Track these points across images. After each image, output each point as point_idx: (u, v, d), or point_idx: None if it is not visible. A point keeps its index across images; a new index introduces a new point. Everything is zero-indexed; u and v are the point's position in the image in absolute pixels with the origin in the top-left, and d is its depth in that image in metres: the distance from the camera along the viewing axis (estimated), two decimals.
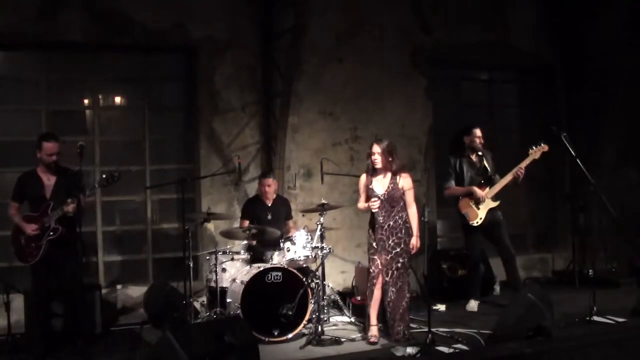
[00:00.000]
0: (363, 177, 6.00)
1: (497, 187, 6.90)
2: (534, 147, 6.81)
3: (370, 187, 5.90)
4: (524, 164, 6.82)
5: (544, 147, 6.79)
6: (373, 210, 5.83)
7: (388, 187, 5.86)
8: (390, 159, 5.86)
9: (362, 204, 5.99)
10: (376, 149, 5.84)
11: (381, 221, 5.82)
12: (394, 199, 5.85)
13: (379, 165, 5.85)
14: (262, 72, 7.90)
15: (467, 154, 7.10)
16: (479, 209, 6.92)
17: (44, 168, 5.75)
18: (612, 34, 9.07)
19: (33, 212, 5.74)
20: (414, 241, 5.91)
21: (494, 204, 6.93)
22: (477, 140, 7.04)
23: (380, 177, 5.91)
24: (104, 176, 5.67)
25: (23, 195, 5.83)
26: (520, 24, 9.28)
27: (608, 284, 7.91)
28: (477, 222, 6.93)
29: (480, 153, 7.06)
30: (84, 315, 5.95)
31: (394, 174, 5.88)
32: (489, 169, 7.01)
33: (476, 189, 6.91)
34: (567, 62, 9.53)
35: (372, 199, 5.82)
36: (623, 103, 9.06)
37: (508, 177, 6.88)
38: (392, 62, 8.48)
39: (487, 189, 6.93)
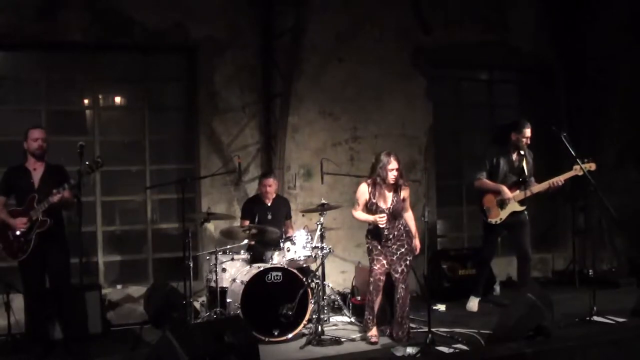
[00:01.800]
0: (364, 188, 5.89)
1: (528, 193, 6.76)
2: (579, 162, 6.48)
3: (374, 201, 5.83)
4: (563, 177, 6.63)
5: (591, 166, 6.48)
6: (380, 226, 5.79)
7: (393, 200, 5.84)
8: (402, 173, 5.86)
9: (361, 215, 5.91)
10: (395, 164, 5.75)
11: (386, 233, 5.84)
12: (398, 212, 5.87)
13: (394, 180, 5.79)
14: (262, 72, 7.89)
15: (509, 150, 6.90)
16: (502, 209, 6.83)
17: (31, 160, 5.71)
18: (612, 34, 9.07)
19: (19, 206, 5.66)
20: (417, 243, 5.95)
21: (519, 208, 6.82)
22: (525, 140, 6.82)
23: (384, 190, 5.84)
24: (87, 163, 5.59)
25: (10, 187, 5.76)
26: (520, 24, 9.28)
27: (608, 284, 7.91)
28: (496, 222, 6.86)
29: (522, 152, 6.87)
30: (78, 317, 5.92)
31: (397, 186, 5.85)
32: (525, 170, 6.85)
33: (505, 190, 6.77)
34: (567, 62, 9.52)
35: (380, 215, 5.75)
36: (623, 103, 9.06)
37: (542, 187, 6.74)
38: (392, 62, 8.48)
39: (517, 191, 6.81)
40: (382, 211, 5.80)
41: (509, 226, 6.93)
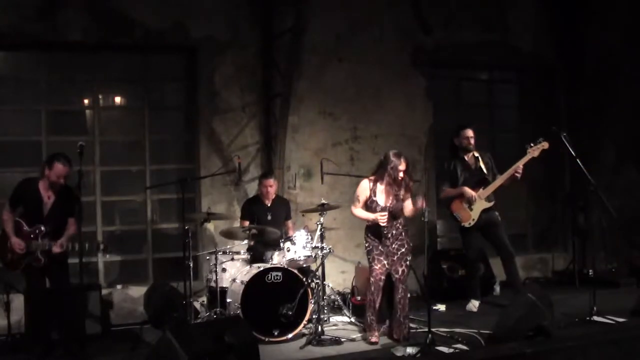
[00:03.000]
0: (366, 184, 5.90)
1: (492, 188, 6.84)
2: (532, 145, 6.67)
3: (374, 198, 5.84)
4: (521, 163, 6.69)
5: (544, 145, 6.63)
6: (381, 224, 5.79)
7: (393, 199, 5.84)
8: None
9: (361, 212, 5.90)
10: (403, 165, 5.76)
11: (385, 232, 5.84)
12: (397, 211, 5.86)
13: (401, 179, 5.80)
14: (262, 72, 7.89)
15: (460, 155, 7.03)
16: (471, 210, 6.89)
17: (46, 185, 5.65)
18: (612, 34, 9.07)
19: (26, 222, 5.64)
20: (419, 201, 5.74)
21: (488, 205, 6.87)
22: (466, 142, 6.94)
23: (386, 188, 5.84)
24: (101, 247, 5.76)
25: (19, 202, 5.73)
26: (520, 24, 9.28)
27: (608, 284, 7.91)
28: (470, 224, 6.92)
29: (476, 154, 6.99)
30: (78, 317, 5.92)
31: (398, 185, 5.85)
32: (484, 170, 6.93)
33: (467, 189, 6.86)
34: (567, 62, 9.53)
35: (382, 213, 5.76)
36: (623, 103, 9.05)
37: (504, 177, 6.79)
38: (392, 62, 8.48)
39: (481, 189, 6.88)
40: (383, 209, 5.80)
41: (483, 229, 6.99)
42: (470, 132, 6.96)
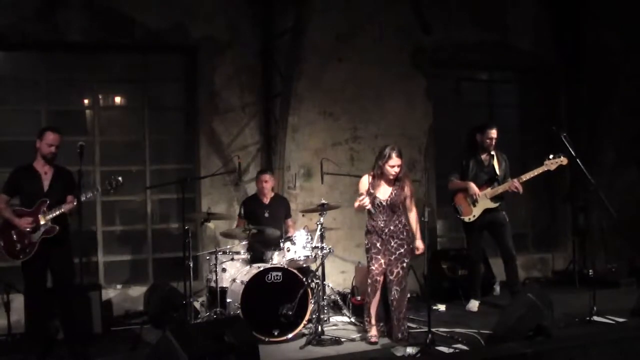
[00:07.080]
0: (365, 179, 5.93)
1: (499, 189, 6.82)
2: (550, 157, 6.57)
3: (372, 192, 5.86)
4: (534, 173, 6.66)
5: (562, 160, 6.54)
6: (366, 207, 5.78)
7: (391, 193, 5.85)
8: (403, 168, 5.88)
9: (358, 204, 5.96)
10: (398, 161, 5.75)
11: (382, 225, 5.83)
12: (395, 205, 5.85)
13: (393, 177, 5.80)
14: (262, 72, 7.90)
15: (478, 152, 7.01)
16: (474, 206, 6.89)
17: (41, 161, 5.66)
18: (612, 34, 9.07)
19: (26, 207, 5.61)
20: (419, 244, 5.91)
21: (492, 205, 6.86)
22: (488, 141, 6.90)
23: (384, 182, 5.87)
24: (107, 182, 5.67)
25: (17, 188, 5.70)
26: (520, 24, 9.28)
27: (608, 284, 7.91)
28: (470, 219, 6.92)
29: (492, 153, 6.96)
30: (81, 316, 5.92)
31: (398, 180, 5.86)
32: (496, 169, 6.92)
33: (472, 185, 6.86)
34: (567, 62, 9.53)
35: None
36: (623, 103, 9.06)
37: (508, 183, 6.75)
38: (392, 62, 8.48)
39: (488, 189, 6.89)
40: (380, 203, 5.81)
41: (488, 227, 6.99)
42: (494, 133, 6.90)
